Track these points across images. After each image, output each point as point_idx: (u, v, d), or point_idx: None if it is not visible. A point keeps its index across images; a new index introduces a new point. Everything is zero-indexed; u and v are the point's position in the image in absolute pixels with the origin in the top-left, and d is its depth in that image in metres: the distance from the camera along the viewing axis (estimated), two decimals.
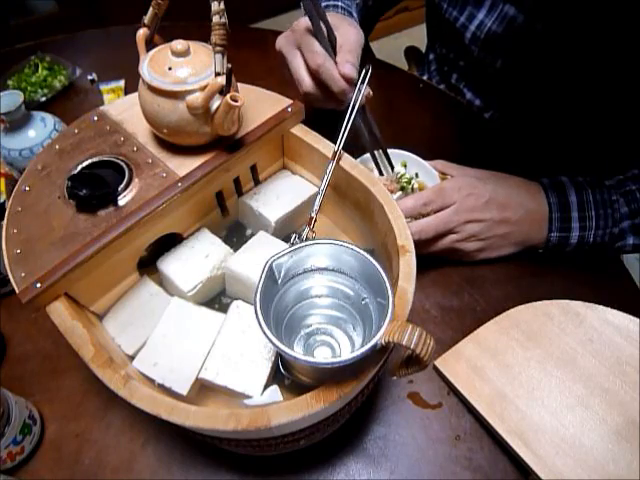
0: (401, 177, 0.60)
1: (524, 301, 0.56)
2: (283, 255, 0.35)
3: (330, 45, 0.53)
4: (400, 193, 0.59)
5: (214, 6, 0.37)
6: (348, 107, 0.48)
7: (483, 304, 0.58)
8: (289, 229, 0.53)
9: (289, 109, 0.49)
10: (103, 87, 0.87)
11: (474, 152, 0.71)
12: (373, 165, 0.62)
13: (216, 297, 0.51)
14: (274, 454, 0.46)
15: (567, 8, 0.58)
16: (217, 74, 0.40)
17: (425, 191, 0.55)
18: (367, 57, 0.88)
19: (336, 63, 0.52)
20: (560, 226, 0.57)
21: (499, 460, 0.48)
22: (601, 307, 0.54)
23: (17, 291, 0.37)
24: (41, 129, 0.69)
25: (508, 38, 0.67)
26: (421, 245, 0.55)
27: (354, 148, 0.50)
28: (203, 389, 0.44)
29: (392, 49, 1.24)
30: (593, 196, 0.57)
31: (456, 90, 0.85)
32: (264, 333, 0.31)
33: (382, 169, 0.61)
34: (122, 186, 0.43)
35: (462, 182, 0.56)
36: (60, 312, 0.38)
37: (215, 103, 0.41)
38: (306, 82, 0.55)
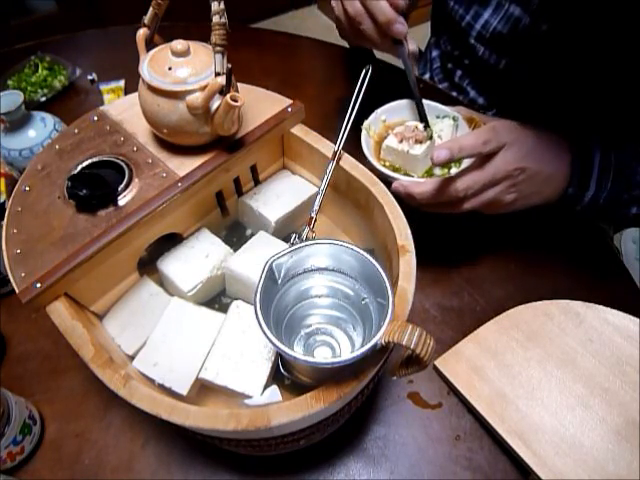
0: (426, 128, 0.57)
1: (524, 301, 0.56)
2: (283, 255, 0.35)
3: None
4: (429, 142, 0.55)
5: (214, 6, 0.37)
6: (353, 101, 0.48)
7: (483, 304, 0.58)
8: (289, 229, 0.53)
9: (289, 109, 0.49)
10: (103, 87, 0.87)
11: None
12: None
13: (216, 297, 0.51)
14: (274, 454, 0.46)
15: (573, 10, 0.58)
16: (217, 74, 0.40)
17: (481, 130, 0.52)
18: (367, 57, 0.89)
19: None
20: (577, 183, 0.55)
21: (499, 460, 0.48)
22: (601, 307, 0.54)
23: (17, 291, 0.37)
24: (41, 129, 0.69)
25: (513, 38, 0.67)
26: (459, 202, 0.52)
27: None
28: (203, 389, 0.44)
29: None
30: (615, 158, 0.55)
31: (459, 88, 0.85)
32: (264, 333, 0.31)
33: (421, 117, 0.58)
34: (122, 186, 0.43)
35: (509, 124, 0.53)
36: (60, 312, 0.38)
37: (215, 103, 0.41)
38: (355, 2, 0.53)
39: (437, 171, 0.55)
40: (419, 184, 0.49)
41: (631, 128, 0.61)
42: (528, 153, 0.52)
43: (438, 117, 0.58)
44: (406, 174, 0.55)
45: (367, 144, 0.55)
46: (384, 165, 0.55)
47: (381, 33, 0.53)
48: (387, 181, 0.51)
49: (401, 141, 0.55)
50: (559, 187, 0.56)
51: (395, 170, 0.55)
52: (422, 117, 0.58)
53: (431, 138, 0.56)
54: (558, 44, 0.63)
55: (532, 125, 0.55)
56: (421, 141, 0.55)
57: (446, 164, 0.52)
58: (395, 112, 0.60)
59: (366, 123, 0.56)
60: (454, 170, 0.54)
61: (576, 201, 0.56)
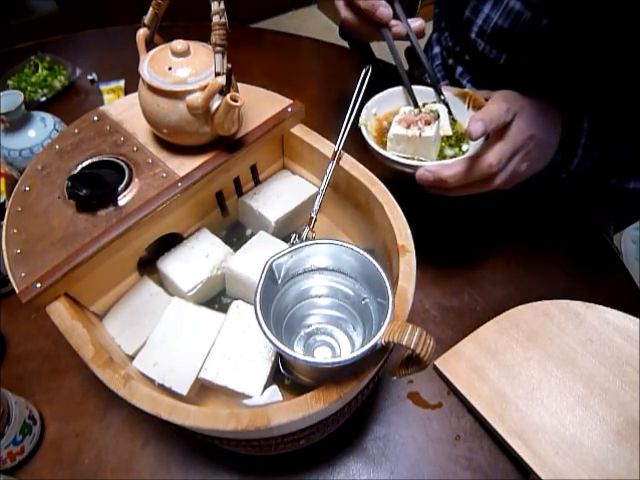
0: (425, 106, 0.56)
1: (524, 301, 0.56)
2: (283, 255, 0.35)
3: None
4: (437, 122, 0.54)
5: (214, 6, 0.37)
6: (352, 103, 0.48)
7: (483, 304, 0.58)
8: (289, 229, 0.53)
9: (289, 109, 0.49)
10: (103, 87, 0.87)
11: None
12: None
13: (216, 297, 0.51)
14: (274, 454, 0.46)
15: (573, 4, 0.58)
16: (217, 74, 0.40)
17: (496, 100, 0.51)
18: (367, 58, 0.89)
19: None
20: (565, 150, 0.55)
21: (499, 460, 0.48)
22: (601, 307, 0.54)
23: (17, 291, 0.37)
24: (41, 129, 0.69)
25: (514, 33, 0.67)
26: (492, 177, 0.51)
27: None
28: (203, 389, 0.44)
29: None
30: (603, 129, 0.56)
31: (459, 85, 0.85)
32: (264, 333, 0.31)
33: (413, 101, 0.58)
34: (122, 186, 0.43)
35: (513, 93, 0.54)
36: (60, 312, 0.38)
37: (215, 103, 0.41)
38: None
39: (448, 152, 0.54)
40: (448, 166, 0.47)
41: (624, 110, 0.61)
42: (534, 120, 0.53)
43: (426, 104, 0.57)
44: (420, 161, 0.53)
45: (370, 139, 0.53)
46: None
47: (373, 23, 0.53)
48: (398, 173, 0.50)
49: (409, 127, 0.52)
50: (553, 154, 0.56)
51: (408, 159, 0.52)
52: (414, 100, 0.57)
53: (438, 117, 0.54)
54: (559, 39, 0.63)
55: (529, 94, 0.56)
56: (430, 122, 0.53)
57: (456, 143, 0.52)
58: (384, 102, 0.58)
59: (362, 119, 0.54)
60: (466, 147, 0.53)
61: (562, 168, 0.57)
